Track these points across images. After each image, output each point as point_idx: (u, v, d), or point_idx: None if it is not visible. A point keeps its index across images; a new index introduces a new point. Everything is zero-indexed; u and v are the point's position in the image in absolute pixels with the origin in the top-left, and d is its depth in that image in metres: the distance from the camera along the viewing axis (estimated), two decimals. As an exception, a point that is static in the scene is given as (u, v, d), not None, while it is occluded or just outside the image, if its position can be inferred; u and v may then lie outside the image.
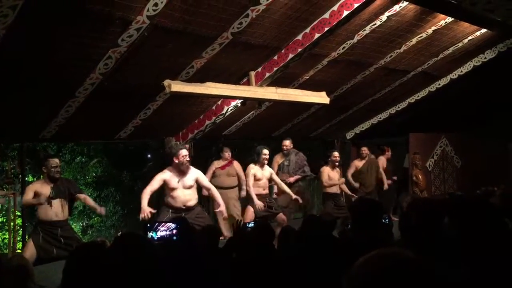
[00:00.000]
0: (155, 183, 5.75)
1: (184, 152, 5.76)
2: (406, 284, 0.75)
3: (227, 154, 7.76)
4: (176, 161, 5.76)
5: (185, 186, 5.82)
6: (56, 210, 5.24)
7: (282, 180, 7.33)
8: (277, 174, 7.58)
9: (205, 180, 6.15)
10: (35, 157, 9.06)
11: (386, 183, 8.83)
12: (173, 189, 5.77)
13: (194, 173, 5.98)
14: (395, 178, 9.40)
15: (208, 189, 6.17)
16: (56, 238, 5.19)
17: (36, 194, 5.20)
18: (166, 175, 5.79)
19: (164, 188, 5.84)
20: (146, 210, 5.48)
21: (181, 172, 5.80)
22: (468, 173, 10.06)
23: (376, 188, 8.80)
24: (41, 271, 4.92)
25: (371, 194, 8.50)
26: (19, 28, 3.95)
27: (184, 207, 5.77)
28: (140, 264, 1.81)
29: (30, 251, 5.09)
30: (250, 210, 6.72)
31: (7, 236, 9.10)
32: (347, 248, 2.25)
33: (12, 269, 2.78)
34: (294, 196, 7.03)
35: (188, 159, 5.79)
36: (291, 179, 7.77)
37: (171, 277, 2.11)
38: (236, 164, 7.80)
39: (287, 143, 7.93)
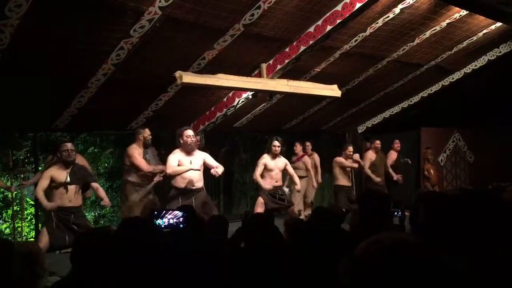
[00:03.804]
0: (174, 162, 5.72)
1: (189, 132, 5.78)
2: (404, 265, 0.76)
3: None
4: (181, 141, 5.77)
5: (195, 166, 5.85)
6: (71, 196, 5.26)
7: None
8: None
9: (211, 159, 6.12)
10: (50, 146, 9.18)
11: (396, 176, 8.77)
12: None
13: (201, 154, 6.02)
14: (409, 160, 9.31)
15: (216, 167, 6.05)
16: (68, 225, 5.20)
17: (53, 180, 5.22)
18: (179, 156, 5.79)
19: None
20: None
21: (189, 153, 5.81)
22: (481, 168, 9.96)
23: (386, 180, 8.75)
24: (51, 258, 4.99)
25: (383, 186, 8.46)
26: (33, 18, 3.99)
27: (193, 187, 5.80)
28: (145, 249, 1.84)
29: (45, 239, 5.11)
30: (260, 202, 6.74)
31: (20, 225, 9.25)
32: (354, 240, 2.25)
33: (22, 255, 2.81)
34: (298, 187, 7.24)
35: (193, 139, 5.80)
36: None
37: (177, 264, 2.13)
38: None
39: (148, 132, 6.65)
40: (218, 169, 5.94)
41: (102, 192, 5.69)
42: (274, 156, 6.92)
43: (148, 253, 1.87)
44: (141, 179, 6.18)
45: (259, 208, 6.60)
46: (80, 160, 6.36)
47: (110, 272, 1.82)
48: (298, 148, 8.57)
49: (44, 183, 5.22)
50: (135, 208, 6.04)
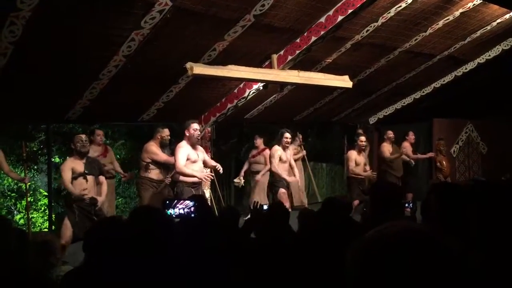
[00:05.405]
0: (183, 158, 5.68)
1: (195, 126, 5.79)
2: (412, 253, 0.76)
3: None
4: (187, 134, 5.78)
5: (201, 159, 5.89)
6: (90, 187, 5.31)
7: None
8: None
9: (206, 155, 6.22)
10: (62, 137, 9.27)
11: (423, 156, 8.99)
12: (194, 162, 5.76)
13: (200, 148, 6.06)
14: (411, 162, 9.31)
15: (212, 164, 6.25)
16: (90, 217, 5.23)
17: (73, 171, 5.26)
18: (187, 149, 5.75)
19: None
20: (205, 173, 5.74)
21: (194, 146, 5.82)
22: (494, 159, 9.86)
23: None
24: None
25: (401, 179, 8.40)
26: (44, 10, 4.02)
27: (200, 181, 5.83)
28: (156, 237, 1.85)
29: (68, 232, 5.15)
30: (282, 192, 6.77)
31: (35, 215, 9.38)
32: (365, 230, 2.24)
33: (36, 245, 2.86)
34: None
35: (198, 133, 5.83)
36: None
37: (187, 254, 2.14)
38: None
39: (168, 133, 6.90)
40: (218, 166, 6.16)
41: (103, 188, 5.59)
42: (284, 148, 7.01)
43: (158, 242, 1.88)
44: (158, 175, 6.39)
45: (285, 200, 6.59)
46: (108, 151, 6.52)
47: (121, 261, 1.84)
48: (259, 141, 8.18)
49: (68, 174, 5.25)
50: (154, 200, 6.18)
